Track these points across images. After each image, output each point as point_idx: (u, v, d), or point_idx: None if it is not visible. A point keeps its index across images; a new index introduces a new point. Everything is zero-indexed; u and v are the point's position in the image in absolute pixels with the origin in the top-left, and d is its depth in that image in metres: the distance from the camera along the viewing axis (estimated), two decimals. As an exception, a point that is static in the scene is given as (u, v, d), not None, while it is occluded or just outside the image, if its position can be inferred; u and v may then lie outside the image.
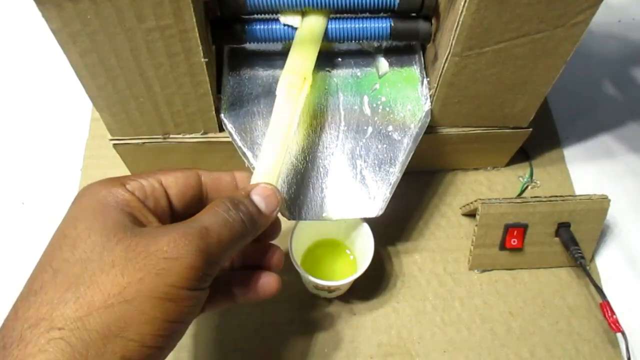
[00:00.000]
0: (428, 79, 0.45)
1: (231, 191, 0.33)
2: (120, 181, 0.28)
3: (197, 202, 0.32)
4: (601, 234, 0.49)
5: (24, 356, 0.22)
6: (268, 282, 0.33)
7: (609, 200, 0.46)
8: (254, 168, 0.41)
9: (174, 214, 0.30)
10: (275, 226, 0.35)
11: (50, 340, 0.22)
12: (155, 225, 0.27)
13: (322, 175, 0.42)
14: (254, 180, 0.34)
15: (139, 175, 0.29)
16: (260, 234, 0.31)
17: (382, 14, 0.43)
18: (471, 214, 0.50)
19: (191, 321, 0.27)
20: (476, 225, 0.46)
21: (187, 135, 0.44)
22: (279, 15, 0.42)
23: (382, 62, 0.45)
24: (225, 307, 0.34)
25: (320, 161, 0.42)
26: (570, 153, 0.56)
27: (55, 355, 0.22)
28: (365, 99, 0.44)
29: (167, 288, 0.24)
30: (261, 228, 0.31)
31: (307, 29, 0.41)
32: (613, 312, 0.43)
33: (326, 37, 0.42)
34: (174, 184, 0.30)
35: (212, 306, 0.32)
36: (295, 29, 0.42)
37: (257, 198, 0.31)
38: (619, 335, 0.44)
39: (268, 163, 0.35)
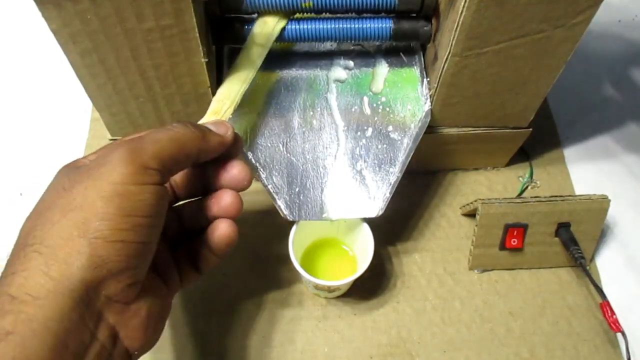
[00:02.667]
0: (428, 79, 0.45)
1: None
2: (84, 157, 0.32)
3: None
4: (601, 234, 0.49)
5: (8, 272, 0.26)
6: (222, 228, 0.34)
7: (609, 200, 0.46)
8: (256, 172, 0.41)
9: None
10: (236, 145, 0.35)
11: (26, 255, 0.26)
12: None
13: (322, 175, 0.42)
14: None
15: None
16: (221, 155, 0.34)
17: (382, 15, 0.43)
18: (471, 214, 0.50)
19: (158, 217, 0.29)
20: (476, 225, 0.46)
21: (187, 135, 0.44)
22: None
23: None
24: (195, 278, 0.35)
25: (320, 161, 0.42)
26: (570, 153, 0.56)
27: (30, 264, 0.25)
28: (365, 99, 0.44)
29: (110, 186, 0.27)
30: (212, 141, 0.33)
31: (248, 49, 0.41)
32: (613, 312, 0.43)
33: (327, 37, 0.42)
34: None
35: (185, 278, 0.35)
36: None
37: (206, 124, 0.34)
38: (619, 335, 0.44)
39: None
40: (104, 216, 0.26)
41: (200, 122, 0.37)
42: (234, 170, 0.34)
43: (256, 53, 0.41)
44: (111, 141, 0.44)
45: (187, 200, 0.36)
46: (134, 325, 0.28)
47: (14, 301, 0.24)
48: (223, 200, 0.34)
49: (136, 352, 0.29)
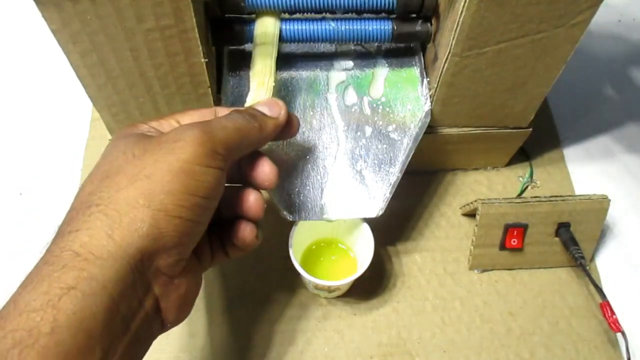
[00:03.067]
0: (428, 79, 0.45)
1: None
2: (142, 122, 0.33)
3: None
4: (601, 234, 0.49)
5: (72, 228, 0.26)
6: (245, 231, 0.35)
7: (609, 200, 0.46)
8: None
9: None
10: (291, 125, 0.36)
11: (91, 214, 0.26)
12: None
13: (322, 175, 0.42)
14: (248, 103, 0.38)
15: (158, 117, 0.33)
16: (277, 135, 0.35)
17: (382, 15, 0.43)
18: (471, 214, 0.50)
19: (215, 198, 0.30)
20: (476, 225, 0.46)
21: (187, 135, 0.44)
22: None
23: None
24: (223, 261, 0.36)
25: (320, 161, 0.42)
26: (570, 153, 0.56)
27: (95, 224, 0.26)
28: (365, 99, 0.44)
29: (181, 164, 0.28)
30: (268, 129, 0.34)
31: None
32: (613, 312, 0.43)
33: (327, 38, 0.42)
34: (190, 121, 0.33)
35: (215, 260, 0.35)
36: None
37: (260, 106, 0.35)
38: (619, 335, 0.44)
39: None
40: (170, 191, 0.27)
41: (250, 97, 0.39)
42: (263, 168, 0.35)
43: (270, 25, 0.42)
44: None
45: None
46: (173, 299, 0.29)
47: (78, 258, 0.25)
48: (246, 200, 0.35)
49: (168, 325, 0.30)
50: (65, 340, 0.23)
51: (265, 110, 0.35)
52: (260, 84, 0.40)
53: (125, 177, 0.28)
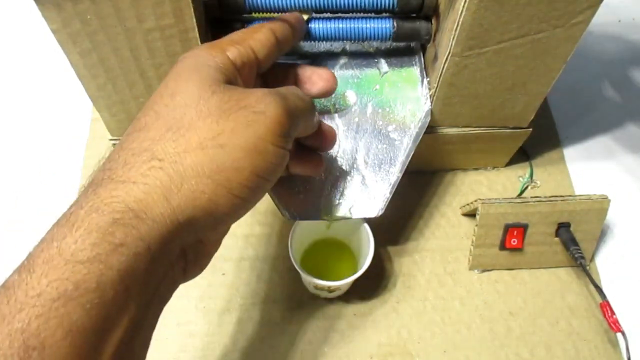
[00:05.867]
0: (428, 79, 0.45)
1: (292, 39, 0.35)
2: (221, 47, 0.29)
3: (276, 56, 0.33)
4: (601, 234, 0.49)
5: (127, 177, 0.24)
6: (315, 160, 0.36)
7: (609, 200, 0.46)
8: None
9: (259, 71, 0.32)
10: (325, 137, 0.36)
11: (152, 168, 0.24)
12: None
13: (322, 175, 0.42)
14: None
15: (235, 41, 0.30)
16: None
17: (382, 15, 0.43)
18: (471, 214, 0.50)
19: (274, 182, 0.29)
20: (476, 225, 0.46)
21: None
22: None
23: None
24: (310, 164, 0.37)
25: (320, 161, 0.42)
26: (570, 153, 0.56)
27: (154, 182, 0.24)
28: (365, 99, 0.44)
29: (256, 140, 0.26)
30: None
31: None
32: (613, 312, 0.43)
33: (327, 37, 0.42)
34: (262, 47, 0.31)
35: (298, 165, 0.35)
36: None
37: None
38: (619, 335, 0.44)
39: None
40: (238, 168, 0.26)
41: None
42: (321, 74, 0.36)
43: None
44: (111, 141, 0.44)
45: None
46: (199, 259, 0.29)
47: (130, 214, 0.23)
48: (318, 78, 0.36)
49: (185, 281, 0.30)
50: (107, 295, 0.22)
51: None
52: None
53: (196, 138, 0.25)
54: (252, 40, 0.31)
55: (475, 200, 0.47)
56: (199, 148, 0.25)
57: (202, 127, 0.26)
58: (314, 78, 0.36)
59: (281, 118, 0.27)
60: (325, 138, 0.36)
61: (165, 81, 0.28)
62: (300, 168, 0.36)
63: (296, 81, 0.36)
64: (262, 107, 0.27)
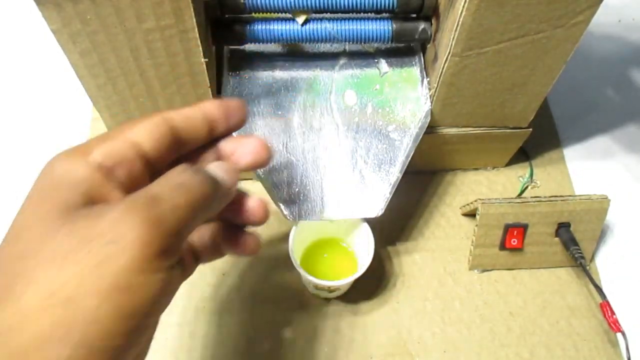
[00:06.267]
0: (428, 79, 0.45)
1: (206, 130, 0.28)
2: (83, 151, 0.24)
3: (175, 149, 0.27)
4: (601, 234, 0.49)
5: None
6: (248, 240, 0.30)
7: (609, 200, 0.46)
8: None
9: (154, 169, 0.26)
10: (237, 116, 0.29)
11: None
12: (116, 199, 0.23)
13: (322, 175, 0.42)
14: None
15: (107, 137, 0.25)
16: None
17: (382, 15, 0.43)
18: (471, 214, 0.50)
19: (163, 309, 0.23)
20: (476, 225, 0.46)
21: (187, 135, 0.44)
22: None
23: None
24: (215, 259, 0.31)
25: (320, 161, 0.42)
26: (570, 153, 0.56)
27: None
28: (365, 99, 0.44)
29: (114, 278, 0.20)
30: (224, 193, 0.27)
31: None
32: (613, 312, 0.43)
33: (327, 38, 0.42)
34: (147, 136, 0.26)
35: (203, 259, 0.30)
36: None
37: (216, 167, 0.27)
38: (619, 335, 0.44)
39: None
40: (96, 320, 0.20)
41: None
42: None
43: None
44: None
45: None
46: None
47: None
48: (246, 204, 0.29)
49: None
50: None
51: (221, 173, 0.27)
52: None
53: (37, 297, 0.20)
54: (132, 132, 0.25)
55: (475, 200, 0.47)
56: (40, 310, 0.20)
57: (43, 279, 0.20)
58: (238, 152, 0.29)
59: (146, 238, 0.21)
60: (252, 214, 0.29)
61: (19, 210, 0.23)
62: (231, 249, 0.30)
63: (219, 160, 0.29)
64: (115, 234, 0.21)
